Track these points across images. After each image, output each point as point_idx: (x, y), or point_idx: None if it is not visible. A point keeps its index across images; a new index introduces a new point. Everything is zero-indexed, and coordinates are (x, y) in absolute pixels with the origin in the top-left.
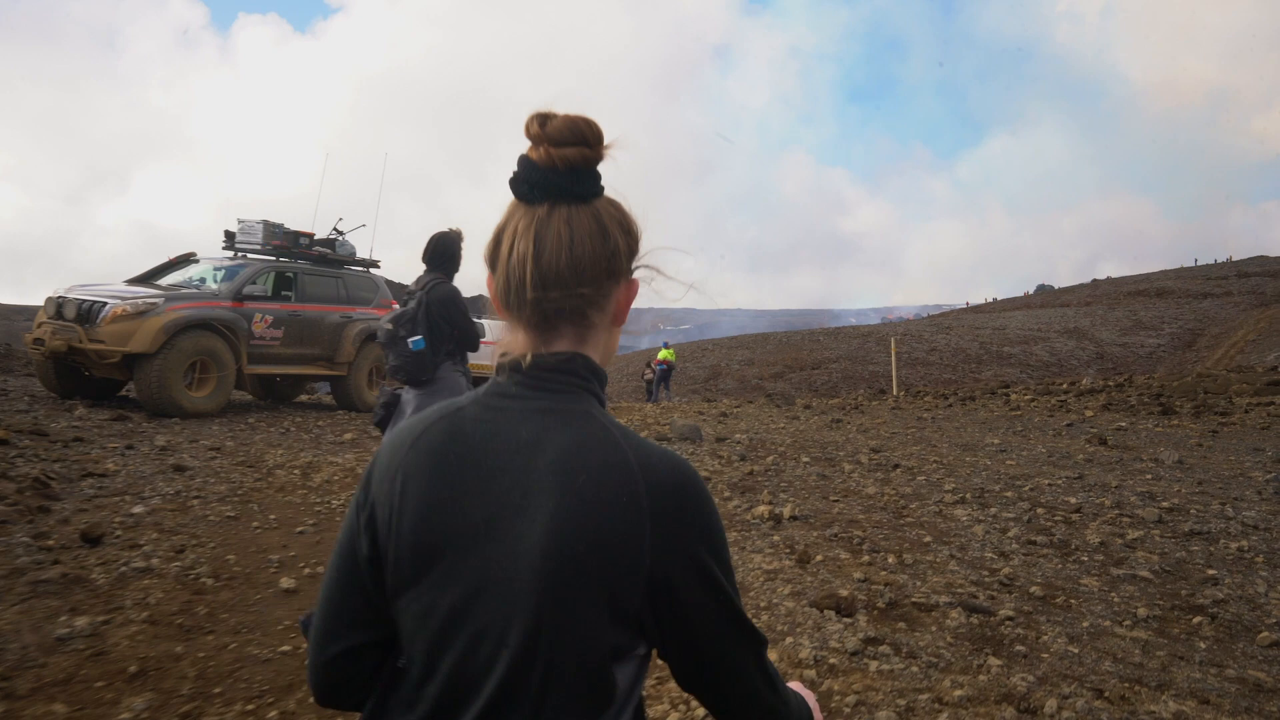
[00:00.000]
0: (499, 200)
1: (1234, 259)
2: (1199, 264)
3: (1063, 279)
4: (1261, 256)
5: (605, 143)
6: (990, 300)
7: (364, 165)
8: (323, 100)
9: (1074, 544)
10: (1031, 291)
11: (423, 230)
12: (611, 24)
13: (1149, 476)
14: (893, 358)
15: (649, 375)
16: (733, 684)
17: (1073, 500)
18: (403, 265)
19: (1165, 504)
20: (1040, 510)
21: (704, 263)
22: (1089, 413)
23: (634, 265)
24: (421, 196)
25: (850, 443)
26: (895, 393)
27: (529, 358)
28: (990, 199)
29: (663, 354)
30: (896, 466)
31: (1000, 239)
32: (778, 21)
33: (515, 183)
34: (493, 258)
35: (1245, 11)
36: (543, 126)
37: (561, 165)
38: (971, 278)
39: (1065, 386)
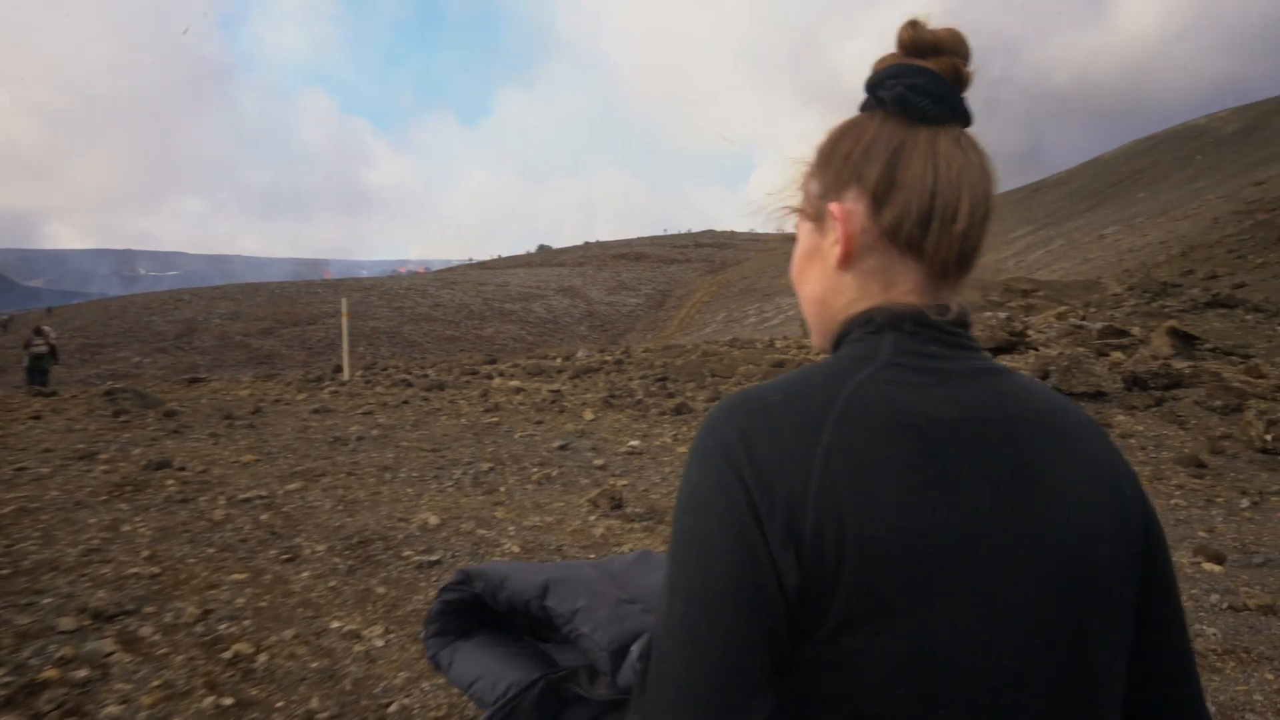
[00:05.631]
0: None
1: (692, 231)
2: (668, 233)
3: (563, 240)
4: (710, 230)
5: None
6: (496, 257)
7: None
8: None
9: None
10: (533, 250)
11: None
12: None
13: None
14: (344, 329)
15: (38, 347)
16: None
17: None
18: None
19: None
20: None
21: (209, 206)
22: (589, 414)
23: None
24: None
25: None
26: (348, 376)
27: (953, 311)
28: (504, 162)
29: None
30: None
31: (510, 200)
32: None
33: (915, 93)
34: (889, 183)
35: (707, 16)
36: (935, 34)
37: (966, 81)
38: (482, 235)
39: (559, 363)
